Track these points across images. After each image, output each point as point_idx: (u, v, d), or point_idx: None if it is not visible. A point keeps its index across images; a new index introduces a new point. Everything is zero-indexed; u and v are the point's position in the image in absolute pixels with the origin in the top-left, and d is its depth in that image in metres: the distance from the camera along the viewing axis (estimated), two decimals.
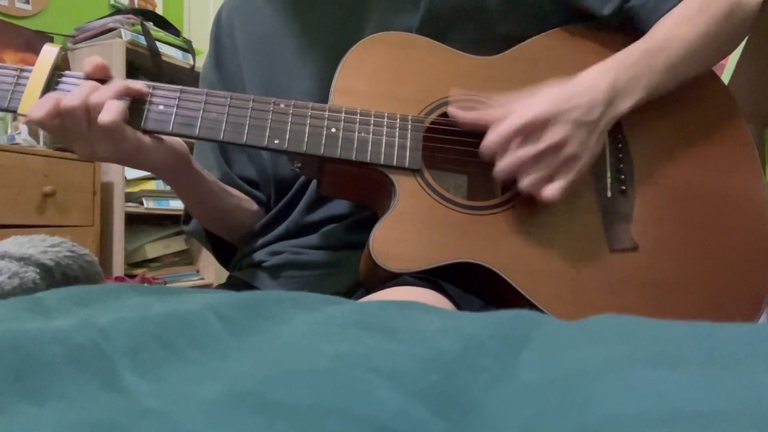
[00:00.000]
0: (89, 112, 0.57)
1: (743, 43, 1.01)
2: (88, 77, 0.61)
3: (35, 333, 0.24)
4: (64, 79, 0.61)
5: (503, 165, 0.60)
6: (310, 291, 0.39)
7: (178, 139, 0.65)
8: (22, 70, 0.60)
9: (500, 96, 0.63)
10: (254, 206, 0.80)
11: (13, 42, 2.26)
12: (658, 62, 0.63)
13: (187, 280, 2.57)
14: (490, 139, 0.60)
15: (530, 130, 0.59)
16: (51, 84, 0.60)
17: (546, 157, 0.59)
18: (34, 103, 0.58)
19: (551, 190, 0.60)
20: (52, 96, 0.58)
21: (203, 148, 0.82)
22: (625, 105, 0.62)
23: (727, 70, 1.15)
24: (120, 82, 0.60)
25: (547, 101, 0.59)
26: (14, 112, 0.59)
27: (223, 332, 0.27)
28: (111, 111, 0.57)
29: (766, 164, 1.41)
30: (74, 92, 0.58)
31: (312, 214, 0.72)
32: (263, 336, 0.28)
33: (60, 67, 0.61)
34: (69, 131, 0.59)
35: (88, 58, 0.61)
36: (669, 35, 0.64)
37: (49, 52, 0.61)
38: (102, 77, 0.61)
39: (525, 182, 0.60)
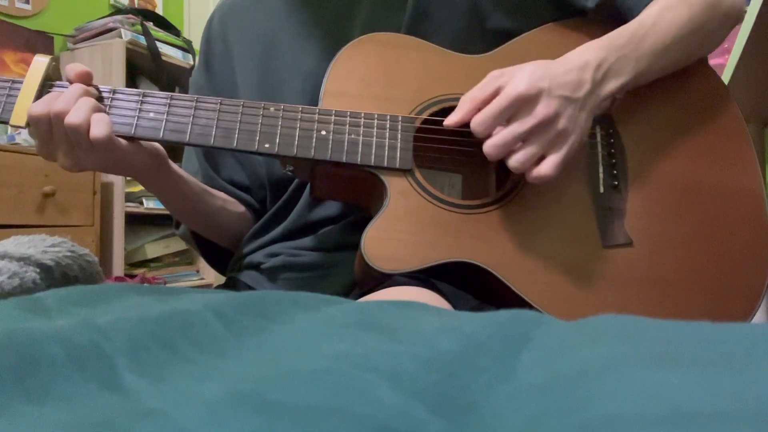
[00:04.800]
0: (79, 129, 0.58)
1: (743, 44, 1.01)
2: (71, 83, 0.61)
3: (35, 333, 0.24)
4: (54, 89, 0.61)
5: (492, 143, 0.57)
6: (307, 292, 0.38)
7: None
8: (13, 82, 0.61)
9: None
10: (240, 208, 0.80)
11: (13, 42, 2.26)
12: (646, 46, 0.63)
13: (187, 280, 2.57)
14: (479, 120, 0.58)
15: (519, 106, 0.57)
16: (42, 94, 0.60)
17: (537, 133, 0.57)
18: (25, 114, 0.59)
19: (543, 168, 0.58)
20: (50, 97, 0.58)
21: (189, 154, 0.82)
22: (611, 86, 0.61)
23: (727, 70, 1.15)
24: (87, 99, 0.59)
25: (535, 76, 0.57)
26: (6, 123, 0.60)
27: (223, 332, 0.27)
28: (101, 124, 0.57)
29: (766, 163, 1.41)
30: (63, 97, 0.58)
31: (309, 215, 0.72)
32: (263, 336, 0.28)
33: (51, 78, 0.62)
34: (55, 137, 0.59)
35: (69, 65, 0.61)
36: (656, 20, 0.64)
37: (39, 63, 0.61)
38: (85, 83, 0.61)
39: (514, 160, 0.57)
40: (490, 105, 0.58)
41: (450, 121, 0.61)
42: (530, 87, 0.57)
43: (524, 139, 0.58)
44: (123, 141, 0.60)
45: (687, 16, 0.65)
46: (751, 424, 0.16)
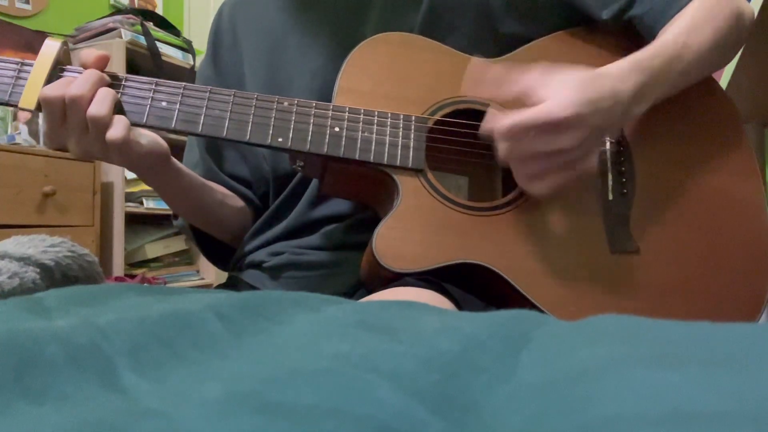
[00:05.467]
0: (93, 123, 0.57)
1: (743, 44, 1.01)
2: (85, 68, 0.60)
3: (35, 333, 0.24)
4: (66, 73, 0.60)
5: (509, 153, 0.57)
6: (310, 291, 0.39)
7: (156, 135, 0.65)
8: (23, 64, 0.59)
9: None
10: (239, 203, 0.80)
11: (13, 42, 2.26)
12: (676, 69, 0.63)
13: (187, 280, 2.56)
14: (506, 124, 0.55)
15: (551, 129, 0.55)
16: (53, 78, 0.59)
17: (553, 157, 0.58)
18: (35, 98, 0.58)
19: (540, 187, 0.58)
20: (64, 81, 0.58)
21: (191, 146, 0.82)
22: (640, 108, 0.61)
23: (726, 70, 1.15)
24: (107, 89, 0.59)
25: (579, 102, 0.55)
26: (15, 106, 0.59)
27: (223, 332, 0.27)
28: (119, 127, 0.57)
29: (766, 165, 1.41)
30: (78, 82, 0.58)
31: (313, 211, 0.72)
32: (263, 336, 0.28)
33: (62, 62, 0.61)
34: (68, 123, 0.58)
35: (84, 50, 0.61)
36: (685, 42, 0.63)
37: (50, 47, 0.60)
38: (101, 68, 0.61)
39: (522, 174, 0.58)
40: (528, 115, 0.55)
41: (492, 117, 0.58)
42: (570, 115, 0.54)
43: (540, 158, 0.57)
44: (135, 142, 0.60)
45: (713, 36, 0.65)
46: (751, 424, 0.16)
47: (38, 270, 0.50)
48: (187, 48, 2.63)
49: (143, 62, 2.41)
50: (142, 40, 2.36)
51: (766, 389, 0.17)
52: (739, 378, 0.18)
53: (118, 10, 2.53)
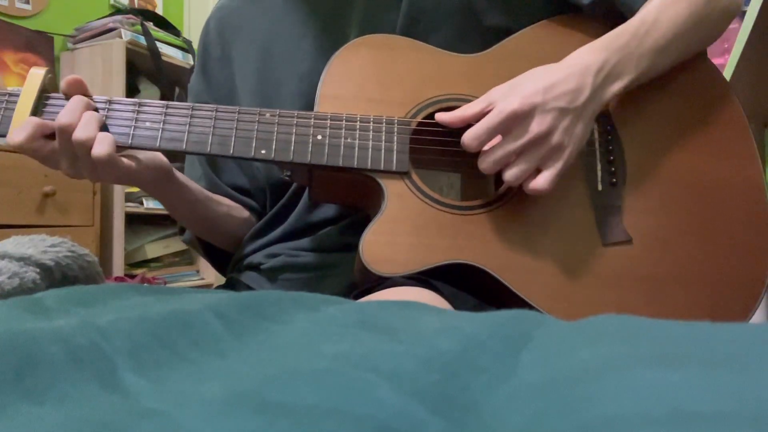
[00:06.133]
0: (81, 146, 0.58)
1: (744, 43, 1.01)
2: (67, 95, 0.60)
3: (35, 333, 0.24)
4: (51, 101, 0.61)
5: (488, 160, 0.59)
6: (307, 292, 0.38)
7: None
8: (10, 95, 0.60)
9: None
10: (244, 213, 0.80)
11: (13, 42, 2.26)
12: (647, 44, 0.63)
13: (187, 280, 2.56)
14: (472, 134, 0.59)
15: (512, 123, 0.58)
16: (38, 107, 0.60)
17: (531, 149, 0.58)
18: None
19: (539, 182, 0.59)
20: (32, 120, 0.58)
21: (192, 160, 0.82)
22: (614, 88, 0.61)
23: (727, 70, 1.15)
24: (93, 113, 0.59)
25: (529, 91, 0.58)
26: (3, 136, 0.59)
27: (223, 332, 0.27)
28: (104, 144, 0.57)
29: (766, 164, 1.41)
30: (66, 110, 0.58)
31: (309, 217, 0.72)
32: (263, 336, 0.28)
33: (47, 90, 0.61)
34: (59, 149, 0.59)
35: (65, 78, 0.61)
36: (657, 17, 0.64)
37: (35, 76, 0.61)
38: (81, 93, 0.61)
39: (510, 174, 0.59)
40: (483, 121, 0.59)
41: (443, 117, 0.61)
42: (523, 104, 0.57)
43: (518, 153, 0.59)
44: (125, 160, 0.61)
45: (687, 11, 0.65)
46: (751, 424, 0.16)
47: (38, 270, 0.50)
48: (187, 48, 2.63)
49: (143, 62, 2.41)
50: (142, 40, 2.36)
51: (766, 389, 0.17)
52: (739, 378, 0.18)
53: (118, 10, 2.53)
